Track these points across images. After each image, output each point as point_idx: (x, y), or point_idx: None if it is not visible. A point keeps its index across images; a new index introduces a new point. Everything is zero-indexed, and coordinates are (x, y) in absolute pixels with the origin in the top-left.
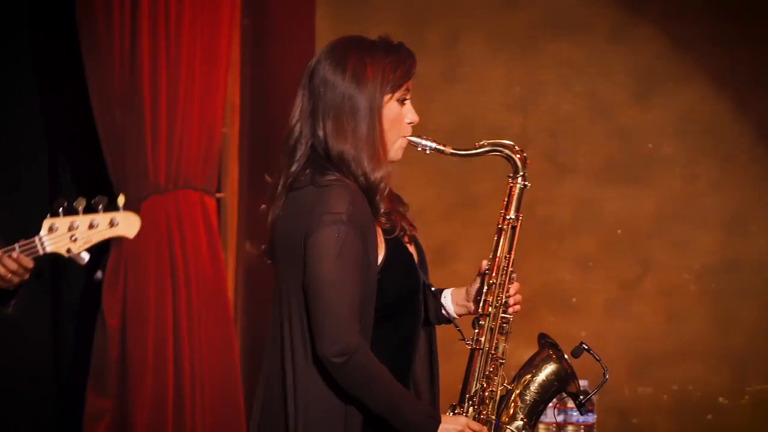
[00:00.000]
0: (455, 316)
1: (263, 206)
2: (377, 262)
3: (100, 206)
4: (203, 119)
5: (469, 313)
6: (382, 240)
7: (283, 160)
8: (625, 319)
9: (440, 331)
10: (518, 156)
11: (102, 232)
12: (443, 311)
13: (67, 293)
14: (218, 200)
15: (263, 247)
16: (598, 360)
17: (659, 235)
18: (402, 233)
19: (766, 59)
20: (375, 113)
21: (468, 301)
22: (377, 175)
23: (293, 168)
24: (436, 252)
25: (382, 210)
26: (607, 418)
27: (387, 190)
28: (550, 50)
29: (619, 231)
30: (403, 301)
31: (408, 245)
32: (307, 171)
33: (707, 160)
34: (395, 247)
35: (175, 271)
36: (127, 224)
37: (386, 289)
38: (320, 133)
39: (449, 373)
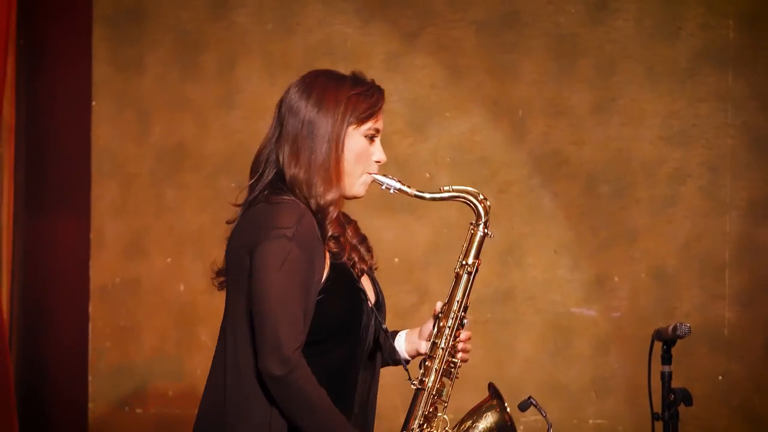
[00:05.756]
0: (407, 357)
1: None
2: (320, 283)
3: None
4: None
5: (419, 354)
6: (329, 263)
7: (249, 182)
8: None
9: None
10: (481, 203)
11: None
12: (396, 352)
13: None
14: None
15: (219, 267)
16: (544, 416)
17: (436, 265)
18: (351, 262)
19: (538, 90)
20: (334, 141)
21: (420, 339)
22: (327, 198)
23: (255, 189)
24: None
25: (330, 233)
26: None
27: (335, 214)
28: None
29: (396, 259)
30: (340, 326)
31: (362, 281)
32: (266, 192)
33: (482, 190)
34: (341, 272)
35: None
36: None
37: (324, 311)
38: (280, 157)
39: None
